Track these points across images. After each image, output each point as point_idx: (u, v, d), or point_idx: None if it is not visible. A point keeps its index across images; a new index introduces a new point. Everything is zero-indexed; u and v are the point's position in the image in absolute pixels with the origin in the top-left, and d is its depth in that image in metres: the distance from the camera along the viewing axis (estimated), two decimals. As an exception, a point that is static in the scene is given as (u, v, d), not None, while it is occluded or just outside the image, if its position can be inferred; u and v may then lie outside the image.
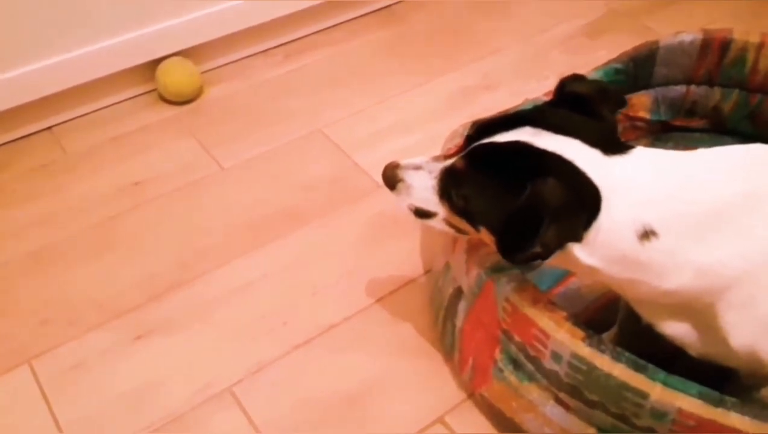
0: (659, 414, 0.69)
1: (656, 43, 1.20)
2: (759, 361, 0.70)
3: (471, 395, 0.95)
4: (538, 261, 0.70)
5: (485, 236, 0.76)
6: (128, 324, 1.05)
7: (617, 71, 1.18)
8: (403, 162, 0.82)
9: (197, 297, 1.09)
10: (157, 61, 1.46)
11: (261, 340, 1.02)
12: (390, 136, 1.39)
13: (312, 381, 0.98)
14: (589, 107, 0.73)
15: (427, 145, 1.32)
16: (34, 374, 0.99)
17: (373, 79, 1.55)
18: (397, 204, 0.83)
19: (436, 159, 0.81)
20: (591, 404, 0.75)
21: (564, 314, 0.77)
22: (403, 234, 1.18)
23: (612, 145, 0.69)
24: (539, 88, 1.25)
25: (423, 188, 0.79)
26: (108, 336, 1.04)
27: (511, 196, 0.67)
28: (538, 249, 0.67)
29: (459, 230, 0.80)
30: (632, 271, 0.69)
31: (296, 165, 1.33)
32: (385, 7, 1.77)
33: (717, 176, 0.69)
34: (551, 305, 0.78)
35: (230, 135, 1.40)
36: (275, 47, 1.64)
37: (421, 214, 0.81)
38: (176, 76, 1.46)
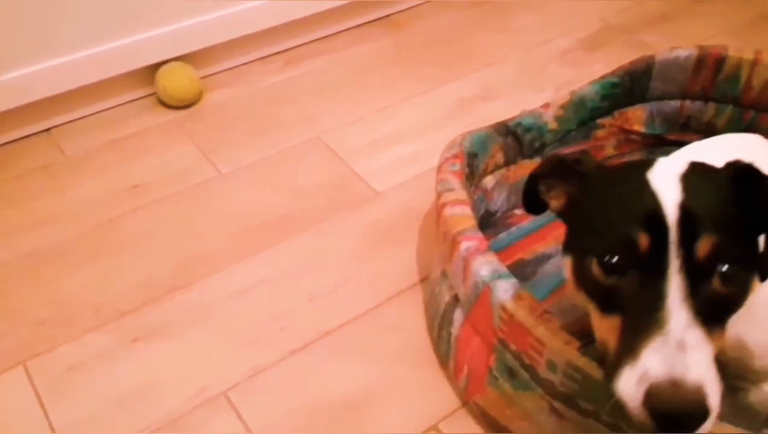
0: (652, 424, 0.70)
1: (652, 57, 1.22)
2: (746, 352, 0.70)
3: (466, 403, 0.95)
4: None
5: (753, 289, 0.59)
6: (125, 327, 1.05)
7: (613, 85, 1.20)
8: (677, 373, 0.51)
9: (195, 301, 1.09)
10: (157, 66, 1.47)
11: (257, 345, 1.03)
12: (388, 145, 1.40)
13: (307, 387, 0.98)
14: None
15: (425, 155, 1.33)
16: (29, 376, 0.99)
17: (372, 87, 1.56)
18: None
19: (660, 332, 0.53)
20: (585, 413, 0.76)
21: (560, 323, 0.78)
22: (400, 241, 1.19)
23: None
24: (537, 100, 1.27)
25: (706, 359, 0.53)
26: (105, 338, 1.04)
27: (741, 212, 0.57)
28: None
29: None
30: None
31: (294, 171, 1.34)
32: (385, 16, 1.79)
33: (716, 153, 0.68)
34: (547, 314, 0.79)
35: (229, 140, 1.41)
36: (275, 54, 1.65)
37: None
38: (176, 80, 1.47)
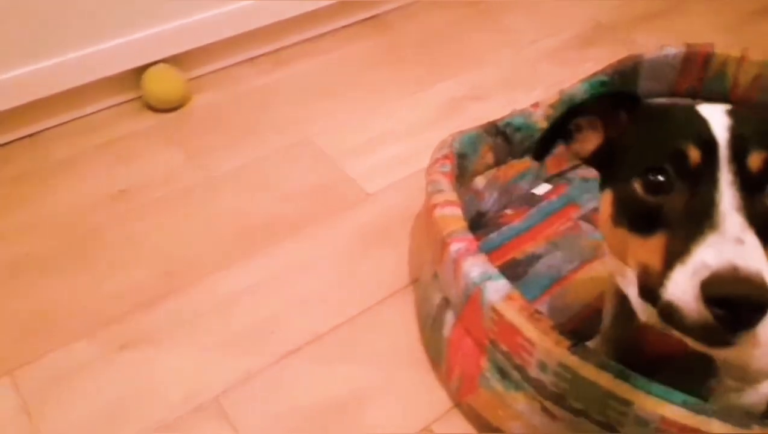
0: (643, 422, 0.70)
1: (641, 56, 1.22)
2: (745, 352, 0.70)
3: (458, 404, 0.95)
4: None
5: None
6: (113, 335, 1.04)
7: (603, 83, 1.20)
8: (734, 260, 0.50)
9: (184, 306, 1.08)
10: (143, 68, 1.45)
11: (248, 350, 1.02)
12: (379, 146, 1.40)
13: (299, 391, 0.97)
14: None
15: (415, 155, 1.33)
16: (16, 385, 0.98)
17: (362, 88, 1.55)
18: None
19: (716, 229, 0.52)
20: (576, 412, 0.76)
21: (550, 323, 0.77)
22: (391, 243, 1.19)
23: None
24: (527, 100, 1.27)
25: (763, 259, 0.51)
26: (93, 346, 1.03)
27: None
28: None
29: None
30: None
31: (284, 174, 1.33)
32: (374, 16, 1.78)
33: None
34: (537, 314, 0.79)
35: (217, 143, 1.40)
36: (263, 55, 1.64)
37: None
38: (162, 83, 1.46)
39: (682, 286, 0.50)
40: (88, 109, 1.46)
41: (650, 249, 0.57)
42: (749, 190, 0.54)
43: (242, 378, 0.98)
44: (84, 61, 1.37)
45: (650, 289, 0.56)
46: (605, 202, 0.65)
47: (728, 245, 0.50)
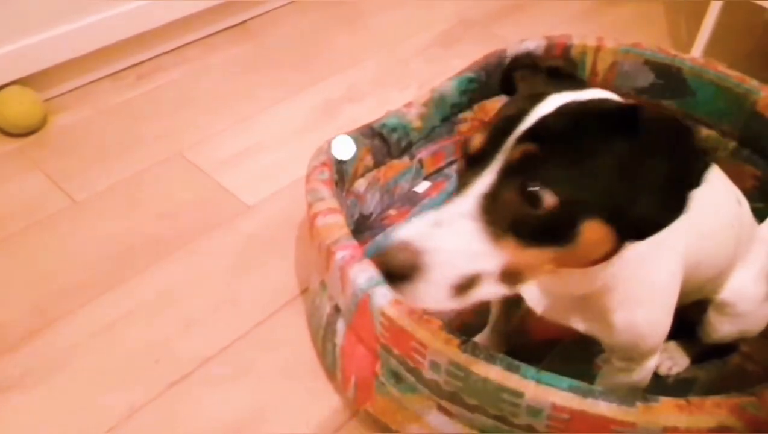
0: (535, 411, 0.72)
1: (504, 51, 1.25)
2: (637, 333, 0.73)
3: (357, 412, 0.94)
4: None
5: (589, 239, 0.55)
6: (-24, 385, 0.95)
7: (470, 80, 1.22)
8: (405, 232, 0.53)
9: (56, 344, 1.01)
10: (-7, 91, 1.35)
11: (131, 383, 0.96)
12: (255, 155, 1.36)
13: (192, 419, 0.93)
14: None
15: (294, 162, 1.30)
16: None
17: (232, 97, 1.51)
18: (425, 296, 0.54)
19: (445, 205, 0.55)
20: (471, 408, 0.77)
21: (439, 323, 0.78)
22: (276, 254, 1.16)
23: None
24: (401, 98, 1.28)
25: (465, 242, 0.54)
26: (-46, 399, 0.94)
27: (617, 155, 0.54)
28: (689, 191, 0.54)
29: (515, 280, 0.57)
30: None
31: (157, 192, 1.27)
32: (240, 23, 1.74)
33: None
34: (426, 316, 0.79)
35: (81, 165, 1.31)
36: (125, 69, 1.56)
37: (465, 286, 0.54)
38: (15, 106, 1.35)
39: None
40: (-70, 139, 1.33)
41: None
42: (507, 181, 0.54)
43: (126, 414, 0.92)
44: None
45: None
46: None
47: (423, 221, 0.54)
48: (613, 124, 0.54)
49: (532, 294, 0.77)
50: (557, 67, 0.66)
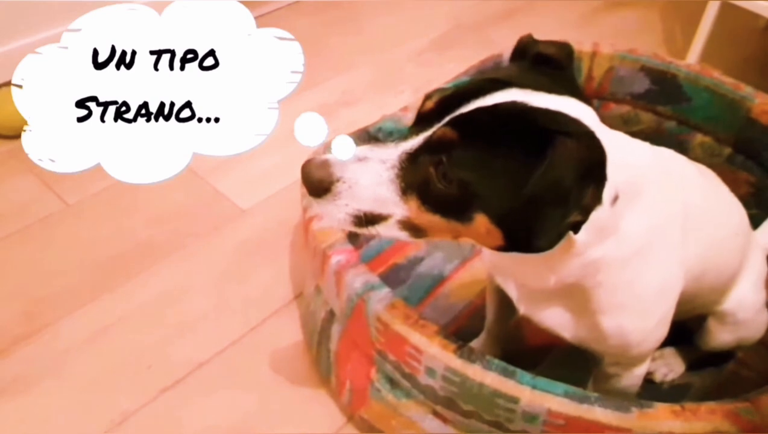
0: (530, 417, 0.71)
1: (500, 55, 1.25)
2: (626, 340, 0.73)
3: (351, 418, 0.93)
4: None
5: (479, 228, 0.60)
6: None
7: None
8: (333, 156, 0.62)
9: (46, 349, 1.00)
10: (-15, 92, 1.33)
11: (124, 388, 0.95)
12: (249, 159, 1.34)
13: (185, 425, 0.92)
14: (554, 68, 0.66)
15: (290, 166, 1.29)
16: None
17: (227, 100, 1.50)
18: (329, 214, 0.62)
19: (379, 146, 0.63)
20: (467, 414, 0.76)
21: (435, 328, 0.77)
22: (271, 258, 1.15)
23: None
24: (396, 102, 1.27)
25: (375, 184, 0.61)
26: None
27: (523, 166, 0.56)
28: (577, 216, 0.57)
29: (417, 232, 0.64)
30: (600, 242, 0.64)
31: (150, 195, 1.26)
32: (235, 26, 1.73)
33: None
34: (422, 320, 0.78)
35: (75, 168, 1.30)
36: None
37: (368, 220, 0.62)
38: (8, 106, 1.33)
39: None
40: None
41: None
42: (428, 149, 0.60)
43: (119, 420, 0.92)
44: None
45: None
46: None
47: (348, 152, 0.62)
48: (531, 139, 0.56)
49: (512, 291, 0.77)
50: (548, 56, 0.66)
